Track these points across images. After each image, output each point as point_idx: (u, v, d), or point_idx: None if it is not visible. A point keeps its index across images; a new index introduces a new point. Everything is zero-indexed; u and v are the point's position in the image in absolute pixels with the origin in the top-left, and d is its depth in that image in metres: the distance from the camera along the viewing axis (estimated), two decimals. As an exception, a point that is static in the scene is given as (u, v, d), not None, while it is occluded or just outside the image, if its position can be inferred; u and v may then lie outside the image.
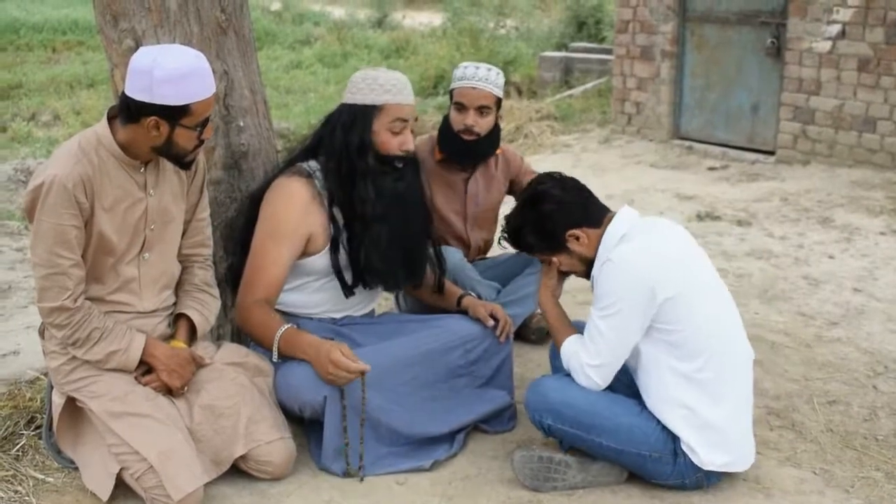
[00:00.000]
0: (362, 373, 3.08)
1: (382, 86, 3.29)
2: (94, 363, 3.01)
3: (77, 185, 2.84)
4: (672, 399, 2.98)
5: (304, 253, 3.35)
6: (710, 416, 2.97)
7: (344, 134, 3.31)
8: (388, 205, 3.33)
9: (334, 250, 3.36)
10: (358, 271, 3.39)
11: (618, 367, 3.05)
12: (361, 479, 3.15)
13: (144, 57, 2.83)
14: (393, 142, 3.31)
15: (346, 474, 3.17)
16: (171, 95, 2.80)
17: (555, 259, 3.18)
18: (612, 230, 3.06)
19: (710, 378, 2.97)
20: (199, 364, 3.15)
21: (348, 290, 3.43)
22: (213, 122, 3.08)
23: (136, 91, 2.82)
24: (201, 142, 2.99)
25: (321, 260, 3.37)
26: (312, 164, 3.39)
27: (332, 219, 3.34)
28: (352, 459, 3.17)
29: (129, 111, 2.87)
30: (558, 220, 3.09)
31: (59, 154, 2.92)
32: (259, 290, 3.28)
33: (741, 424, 3.07)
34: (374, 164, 3.30)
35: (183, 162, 3.01)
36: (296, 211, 3.29)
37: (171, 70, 2.79)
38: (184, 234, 3.27)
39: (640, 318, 2.95)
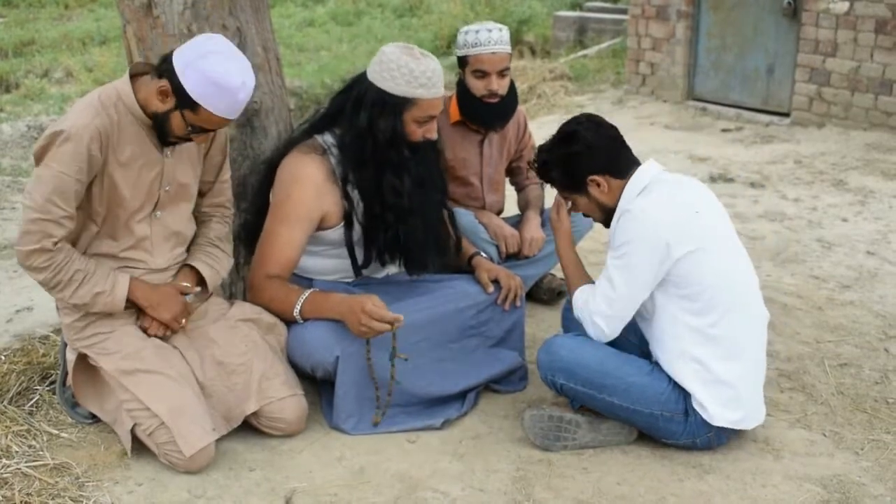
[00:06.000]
0: (393, 323, 3.07)
1: (418, 79, 3.15)
2: (80, 307, 2.99)
3: (94, 138, 2.83)
4: (684, 353, 2.99)
5: (319, 227, 3.32)
6: (721, 371, 2.98)
7: (371, 118, 3.20)
8: (420, 193, 3.30)
9: (348, 226, 3.33)
10: (373, 252, 3.36)
11: (627, 318, 3.05)
12: (378, 421, 3.21)
13: (210, 41, 2.84)
14: (418, 132, 3.24)
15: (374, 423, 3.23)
16: (192, 85, 2.79)
17: (567, 200, 3.20)
18: (634, 182, 3.06)
19: (722, 334, 2.98)
20: (183, 292, 3.14)
21: (358, 270, 3.41)
22: (212, 136, 3.12)
23: (179, 57, 2.82)
24: (189, 139, 2.98)
25: (335, 234, 3.35)
26: (328, 139, 3.32)
27: (345, 196, 3.30)
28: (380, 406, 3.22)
29: (162, 65, 2.87)
30: (583, 163, 3.08)
31: (79, 106, 2.91)
32: (272, 267, 3.26)
33: (752, 382, 3.08)
34: (409, 156, 3.24)
35: (165, 139, 2.99)
36: (309, 195, 3.23)
37: (212, 70, 2.77)
38: (207, 194, 3.29)
39: (652, 272, 2.95)
